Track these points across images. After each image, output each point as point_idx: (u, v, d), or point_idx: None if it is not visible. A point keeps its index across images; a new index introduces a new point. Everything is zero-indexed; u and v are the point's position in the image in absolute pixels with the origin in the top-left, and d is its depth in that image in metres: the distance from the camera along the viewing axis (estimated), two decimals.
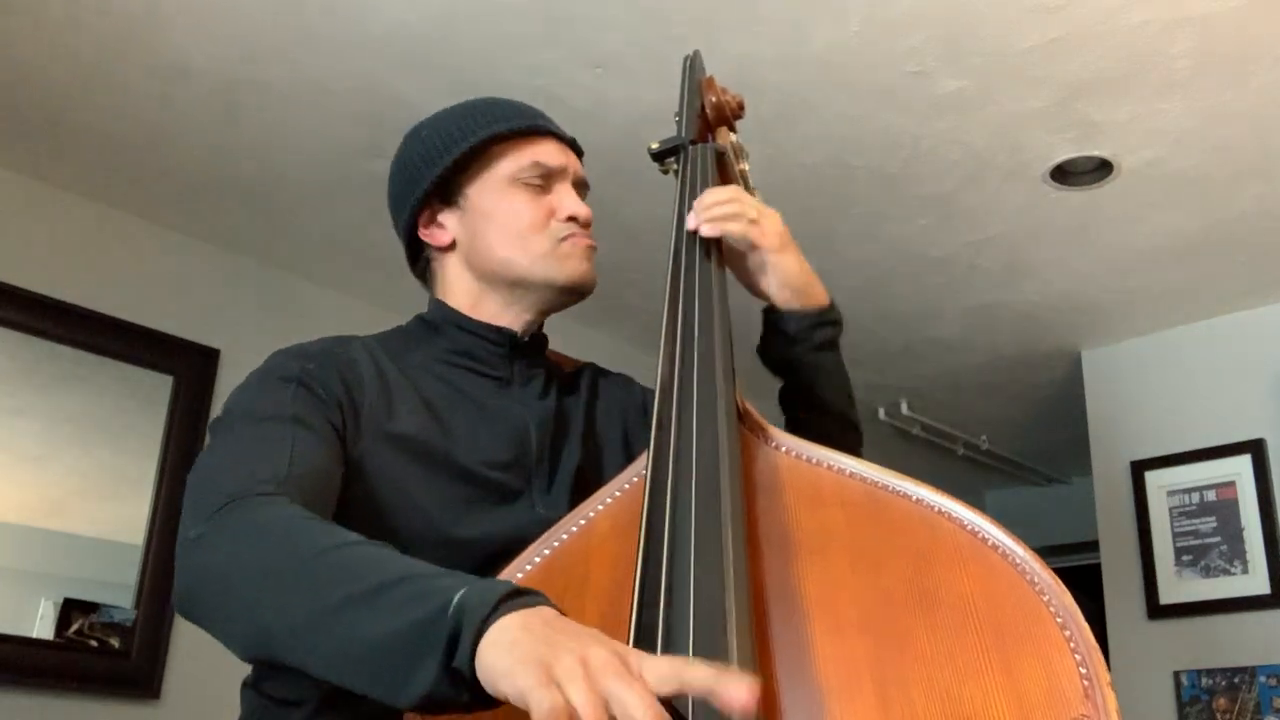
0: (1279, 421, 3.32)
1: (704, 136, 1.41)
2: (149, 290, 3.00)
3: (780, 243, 1.22)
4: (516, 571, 0.95)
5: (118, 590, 2.79)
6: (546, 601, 0.75)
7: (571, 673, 0.67)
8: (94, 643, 2.72)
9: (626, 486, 1.01)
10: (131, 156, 2.73)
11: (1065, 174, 2.73)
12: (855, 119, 2.54)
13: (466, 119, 1.24)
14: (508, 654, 0.70)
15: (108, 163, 2.76)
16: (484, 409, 1.19)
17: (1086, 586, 3.59)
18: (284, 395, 1.07)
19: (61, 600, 2.71)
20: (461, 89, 1.34)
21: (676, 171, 1.33)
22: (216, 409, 1.10)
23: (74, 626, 2.70)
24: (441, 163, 1.22)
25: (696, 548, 0.83)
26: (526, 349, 1.25)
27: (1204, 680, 3.27)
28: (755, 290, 1.27)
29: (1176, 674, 3.32)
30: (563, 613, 0.75)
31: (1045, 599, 0.80)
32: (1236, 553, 3.29)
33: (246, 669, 1.13)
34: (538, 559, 0.96)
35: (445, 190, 1.24)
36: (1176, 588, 3.37)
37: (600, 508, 1.00)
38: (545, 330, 1.31)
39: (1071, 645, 0.77)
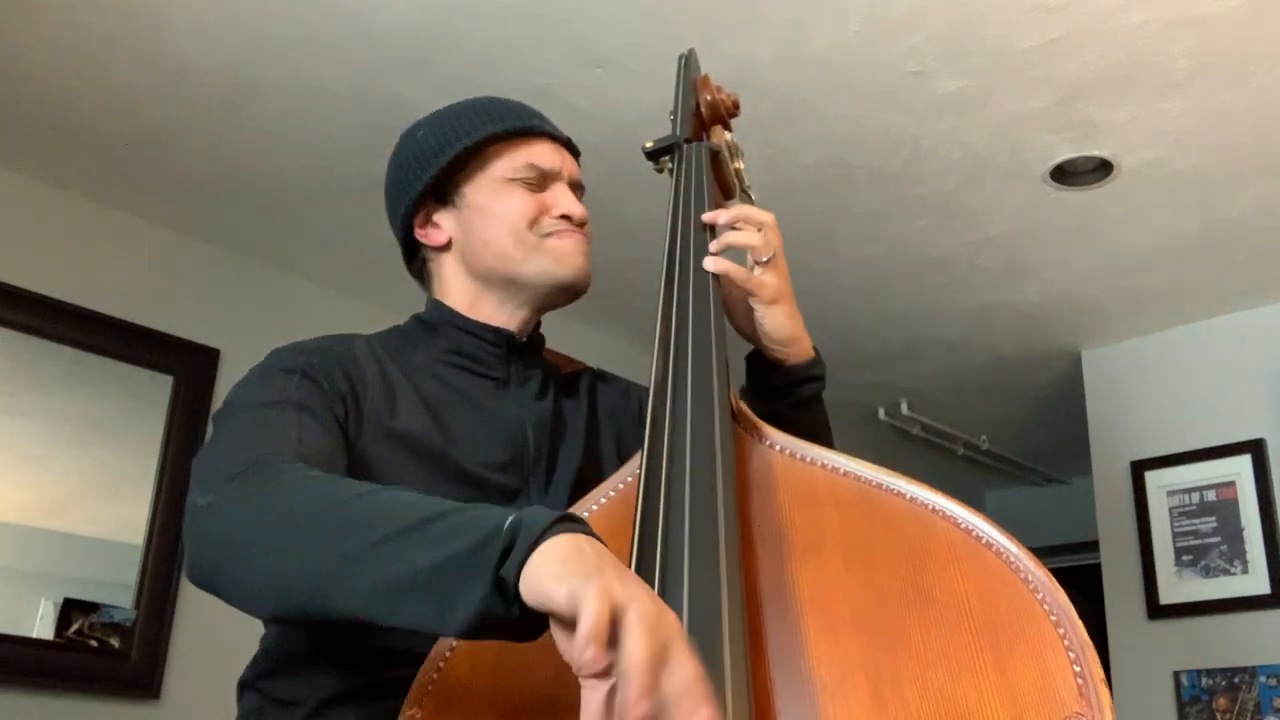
0: (1279, 421, 3.32)
1: (699, 135, 1.40)
2: (149, 290, 3.00)
3: (778, 294, 1.19)
4: None
5: (118, 590, 2.80)
6: (596, 534, 0.75)
7: (622, 588, 0.67)
8: (94, 643, 2.72)
9: (621, 486, 1.01)
10: (131, 156, 2.73)
11: (1065, 174, 2.73)
12: (855, 119, 2.54)
13: (462, 119, 1.25)
14: (559, 563, 0.70)
15: (108, 163, 2.76)
16: (481, 409, 1.19)
17: (1086, 586, 3.59)
18: (288, 385, 1.07)
19: (61, 600, 2.71)
20: (461, 89, 1.34)
21: (671, 170, 1.33)
22: (216, 409, 1.10)
23: (74, 626, 2.71)
24: (437, 163, 1.23)
25: (690, 546, 0.83)
26: (524, 349, 1.25)
27: (1204, 680, 3.27)
28: (744, 334, 1.23)
29: (1176, 674, 3.32)
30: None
31: (1039, 597, 0.80)
32: (1236, 553, 3.29)
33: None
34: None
35: (441, 190, 1.24)
36: (1176, 588, 3.37)
37: (595, 507, 1.00)
38: (544, 330, 1.31)
39: (1066, 643, 0.77)
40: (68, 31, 2.28)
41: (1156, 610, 3.39)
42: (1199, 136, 2.56)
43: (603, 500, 1.01)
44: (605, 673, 0.66)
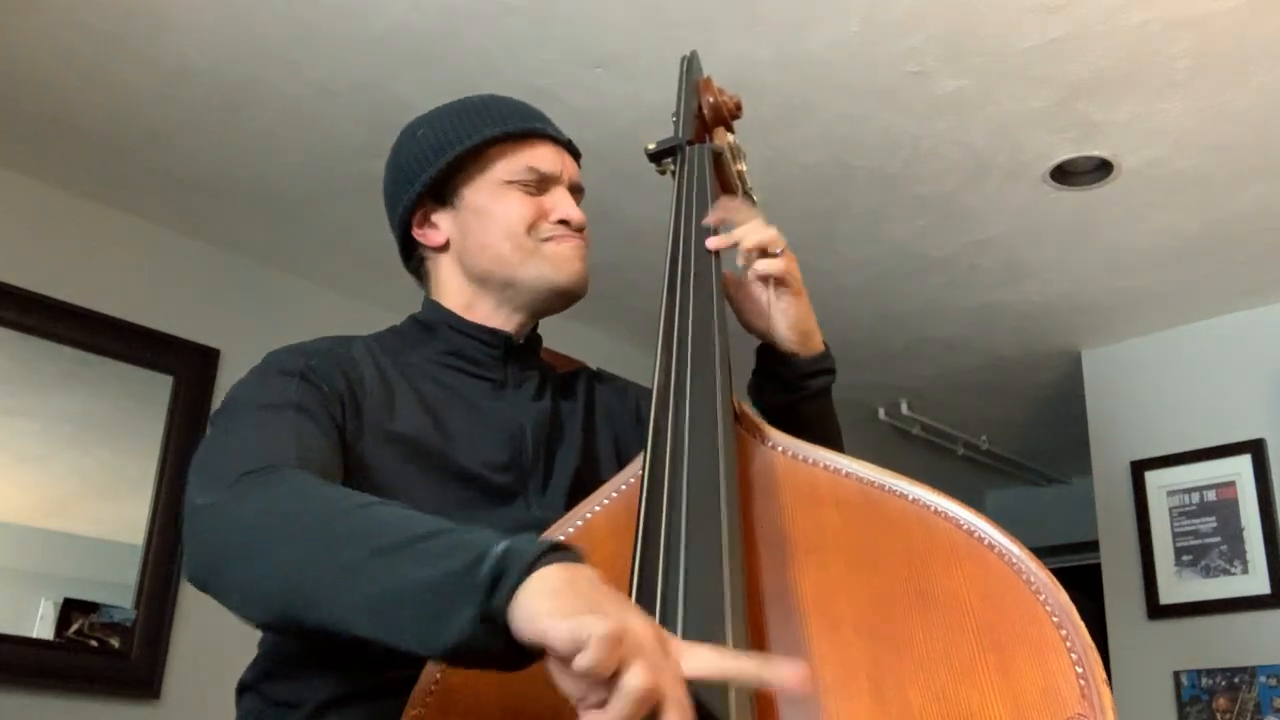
0: (1279, 421, 3.32)
1: (701, 137, 1.40)
2: (149, 290, 3.00)
3: (802, 283, 1.22)
4: None
5: (118, 590, 2.80)
6: (586, 561, 0.74)
7: (610, 633, 0.66)
8: (94, 643, 2.72)
9: (623, 487, 1.01)
10: (131, 156, 2.73)
11: (1065, 174, 2.73)
12: (855, 119, 2.54)
13: (463, 119, 1.24)
14: (549, 599, 0.69)
15: (108, 163, 2.76)
16: (479, 411, 1.19)
17: (1086, 586, 3.59)
18: (287, 387, 1.07)
19: (61, 600, 2.71)
20: (461, 89, 1.34)
21: (674, 172, 1.33)
22: (215, 408, 1.10)
23: (74, 626, 2.71)
24: (436, 164, 1.22)
25: (693, 548, 0.83)
26: (521, 351, 1.25)
27: (1204, 680, 3.27)
28: (758, 329, 1.24)
29: (1176, 674, 3.32)
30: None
31: (1041, 598, 0.80)
32: (1236, 553, 3.29)
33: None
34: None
35: (440, 190, 1.24)
36: (1176, 588, 3.37)
37: (597, 508, 1.00)
38: (543, 329, 1.31)
39: (1067, 644, 0.77)
40: (68, 31, 2.28)
41: (1156, 610, 3.40)
42: (1199, 136, 2.56)
43: (605, 502, 1.01)
44: (604, 703, 0.66)
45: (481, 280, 1.23)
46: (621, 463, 1.19)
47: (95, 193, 2.91)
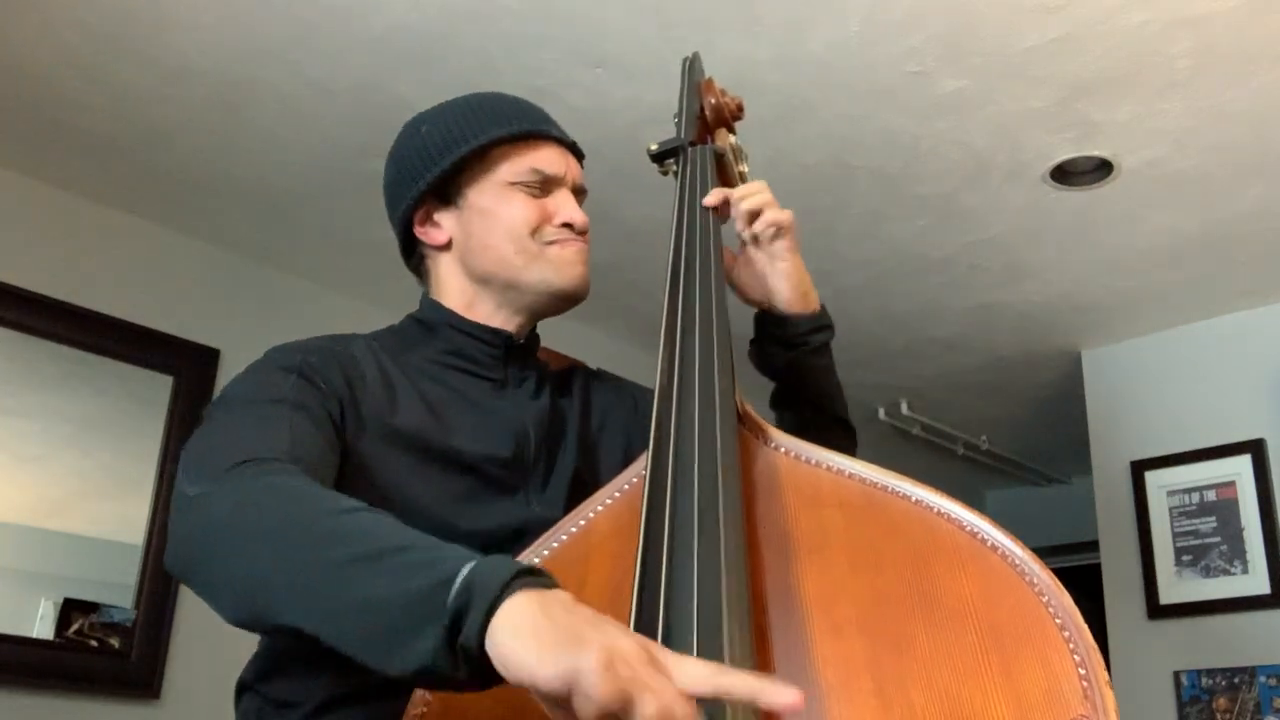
0: (1279, 421, 3.32)
1: (703, 138, 1.41)
2: (149, 290, 3.00)
3: (797, 234, 1.29)
4: None
5: (118, 590, 2.79)
6: (557, 584, 0.73)
7: (602, 666, 0.64)
8: (94, 643, 2.72)
9: (626, 487, 1.01)
10: (131, 156, 2.73)
11: (1065, 174, 2.73)
12: (855, 119, 2.54)
13: (468, 118, 1.24)
14: (530, 639, 0.67)
15: (108, 163, 2.76)
16: (481, 408, 1.19)
17: (1086, 586, 3.59)
18: (284, 382, 1.07)
19: (61, 600, 2.71)
20: (461, 89, 1.33)
21: (676, 173, 1.33)
22: (212, 401, 1.10)
23: (74, 626, 2.70)
24: (441, 164, 1.22)
25: (696, 548, 0.83)
26: (520, 351, 1.25)
27: (1204, 680, 3.27)
28: (758, 293, 1.29)
29: (1176, 674, 3.32)
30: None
31: (1044, 600, 0.80)
32: (1236, 553, 3.29)
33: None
34: (536, 560, 0.96)
35: (443, 190, 1.23)
36: (1176, 588, 3.37)
37: (600, 508, 1.00)
38: (545, 328, 1.31)
39: (1070, 646, 0.77)
40: (68, 31, 2.28)
41: (1156, 610, 3.40)
42: (1199, 136, 2.56)
43: (608, 502, 1.01)
44: None
45: (483, 281, 1.23)
46: (619, 460, 1.20)
47: (95, 193, 2.91)
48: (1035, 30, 2.23)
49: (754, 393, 1.14)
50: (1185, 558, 3.38)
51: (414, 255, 1.29)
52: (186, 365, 3.01)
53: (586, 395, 1.30)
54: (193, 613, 2.83)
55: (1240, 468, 3.34)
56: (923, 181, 2.78)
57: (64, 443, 2.82)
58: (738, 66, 2.30)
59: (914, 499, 0.91)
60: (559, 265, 1.21)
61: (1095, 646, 0.78)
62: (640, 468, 1.00)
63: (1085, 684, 0.75)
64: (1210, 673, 3.26)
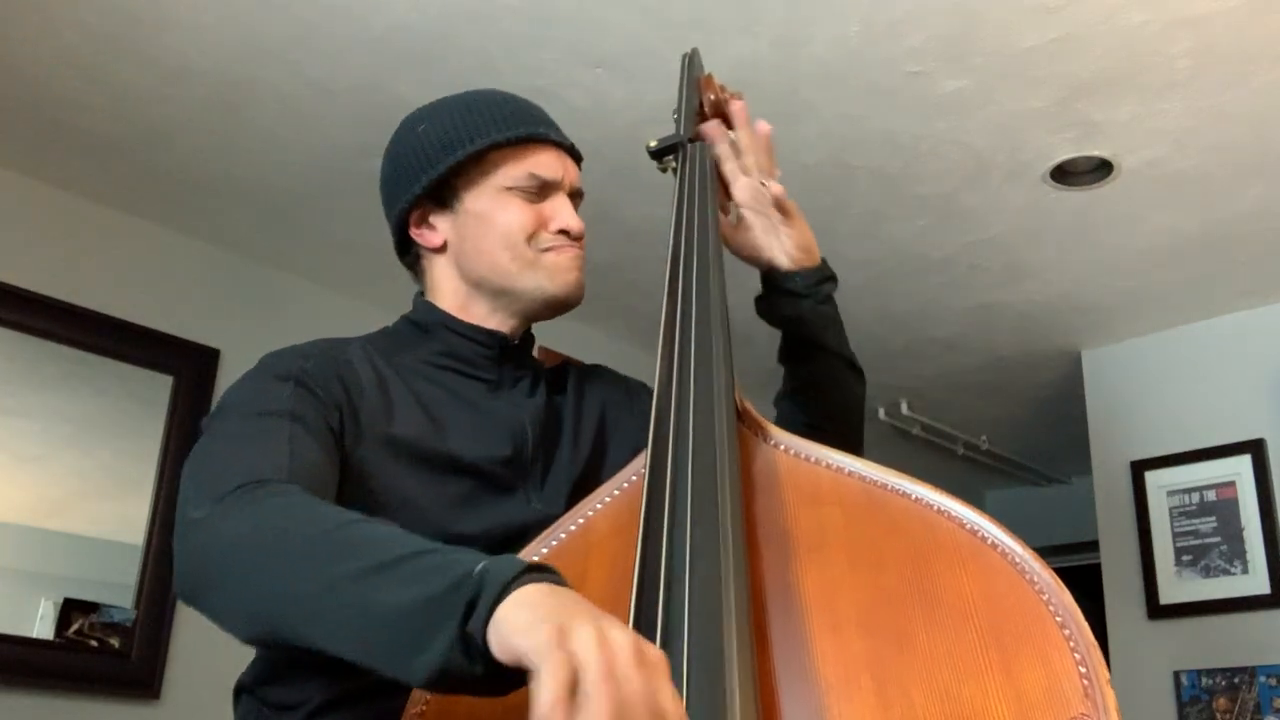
0: (1279, 421, 3.32)
1: (702, 135, 1.40)
2: (149, 290, 3.00)
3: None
4: None
5: (118, 590, 2.79)
6: (566, 581, 0.74)
7: (589, 642, 0.66)
8: (94, 643, 2.72)
9: (625, 485, 1.01)
10: (131, 156, 2.73)
11: (1065, 174, 2.73)
12: (855, 119, 2.54)
13: (465, 119, 1.23)
14: (527, 611, 0.68)
15: (108, 163, 2.76)
16: (478, 409, 1.19)
17: (1086, 586, 3.59)
18: (281, 392, 1.06)
19: (61, 600, 2.71)
20: (461, 89, 1.33)
21: (675, 170, 1.33)
22: (210, 412, 1.09)
23: (74, 626, 2.70)
24: (437, 168, 1.21)
25: (695, 546, 0.83)
26: (514, 352, 1.24)
27: (1204, 680, 3.27)
28: (762, 254, 1.33)
29: (1176, 674, 3.32)
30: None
31: (1045, 598, 0.80)
32: (1236, 553, 3.29)
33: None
34: (535, 557, 0.96)
35: (439, 192, 1.23)
36: (1176, 588, 3.37)
37: (599, 506, 1.00)
38: (545, 328, 1.31)
39: (1071, 644, 0.77)
40: (68, 31, 2.28)
41: (1156, 610, 3.39)
42: (1199, 136, 2.56)
43: (607, 499, 1.01)
44: None
45: (477, 285, 1.22)
46: (616, 456, 1.20)
47: (95, 193, 2.91)
48: (1035, 30, 2.23)
49: (754, 391, 1.14)
50: (1185, 558, 3.38)
51: (409, 253, 1.29)
52: (186, 365, 3.01)
53: (582, 391, 1.30)
54: (193, 613, 2.80)
55: (1240, 468, 3.34)
56: (923, 181, 2.78)
57: (64, 443, 2.82)
58: (738, 66, 2.30)
59: (914, 497, 0.91)
60: (554, 272, 1.21)
61: (1096, 645, 0.78)
62: (639, 465, 1.00)
63: (1086, 682, 0.75)
64: (1210, 673, 3.26)
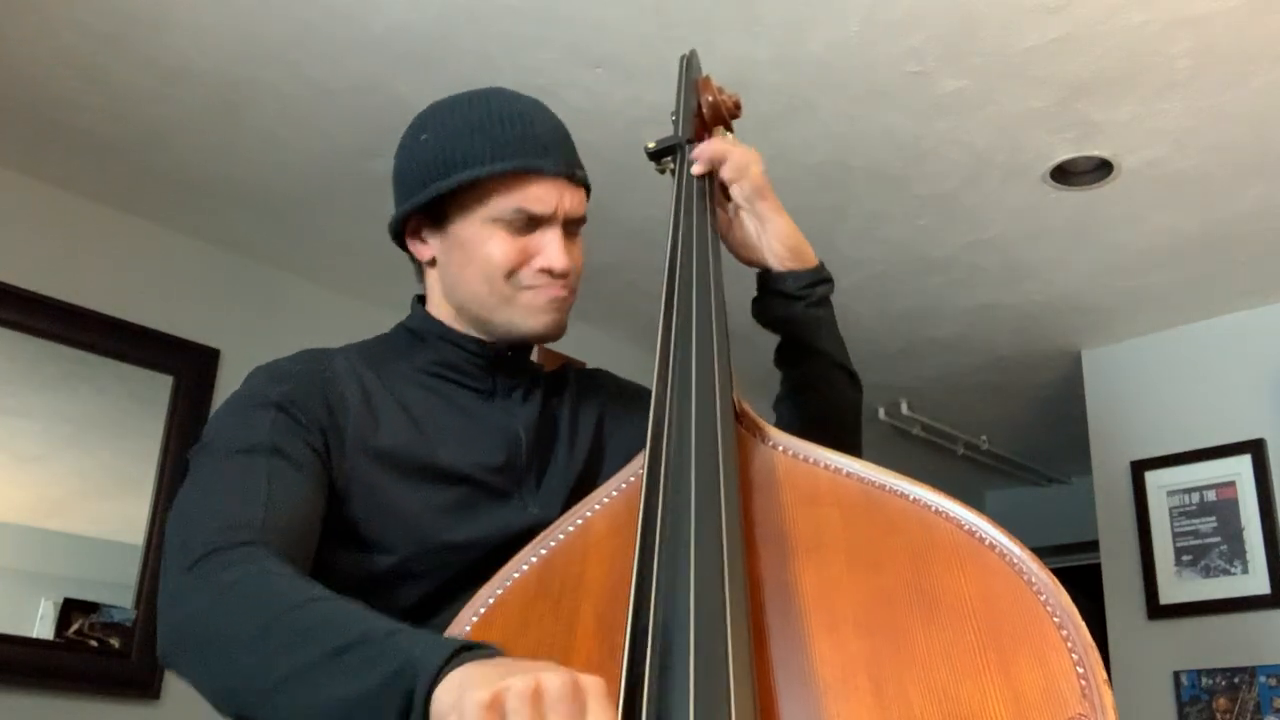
0: (1279, 421, 3.32)
1: (701, 136, 1.40)
2: (149, 290, 3.00)
3: (771, 194, 1.34)
4: (513, 571, 0.95)
5: (118, 590, 2.80)
6: (500, 652, 0.77)
7: (522, 695, 0.69)
8: (94, 643, 2.72)
9: (624, 486, 1.01)
10: (131, 156, 2.73)
11: (1065, 174, 2.73)
12: (855, 119, 2.54)
13: (465, 143, 1.18)
14: (457, 689, 0.72)
15: (107, 163, 2.76)
16: (470, 416, 1.18)
17: (1086, 586, 3.59)
18: (263, 422, 1.07)
19: (61, 600, 2.71)
20: (461, 89, 1.32)
21: (673, 171, 1.33)
22: (216, 409, 1.10)
23: (74, 626, 2.70)
24: (429, 191, 1.18)
25: (694, 546, 0.83)
26: (509, 360, 1.23)
27: (1204, 680, 3.27)
28: (755, 254, 1.33)
29: (1176, 674, 3.32)
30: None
31: (1042, 598, 0.80)
32: (1236, 553, 3.29)
33: None
34: (534, 559, 0.96)
35: (433, 210, 1.20)
36: (1176, 588, 3.37)
37: (597, 507, 1.00)
38: None
39: (1069, 644, 0.77)
40: (68, 31, 2.28)
41: (1156, 610, 3.40)
42: (1199, 136, 2.56)
43: (605, 500, 1.01)
44: None
45: (459, 307, 1.22)
46: (613, 458, 1.20)
47: (95, 193, 2.91)
48: (1035, 30, 2.23)
49: (754, 392, 1.14)
50: (1185, 558, 3.38)
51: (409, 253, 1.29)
52: (186, 365, 3.01)
53: (580, 396, 1.29)
54: None
55: (1240, 468, 3.34)
56: (923, 181, 2.78)
57: (64, 443, 2.82)
58: (738, 66, 2.30)
59: (912, 497, 0.91)
60: (528, 312, 1.18)
61: (1093, 645, 0.77)
62: (638, 466, 1.00)
63: (1083, 683, 0.75)
64: (1210, 673, 3.26)
